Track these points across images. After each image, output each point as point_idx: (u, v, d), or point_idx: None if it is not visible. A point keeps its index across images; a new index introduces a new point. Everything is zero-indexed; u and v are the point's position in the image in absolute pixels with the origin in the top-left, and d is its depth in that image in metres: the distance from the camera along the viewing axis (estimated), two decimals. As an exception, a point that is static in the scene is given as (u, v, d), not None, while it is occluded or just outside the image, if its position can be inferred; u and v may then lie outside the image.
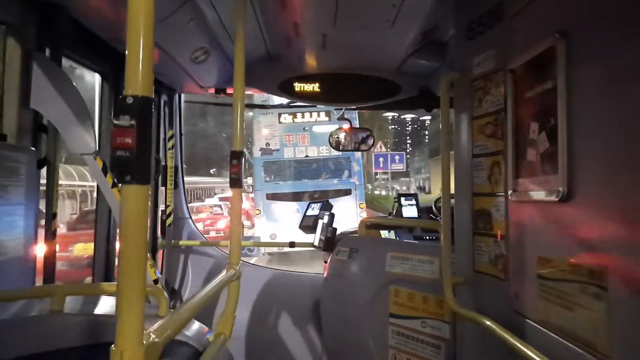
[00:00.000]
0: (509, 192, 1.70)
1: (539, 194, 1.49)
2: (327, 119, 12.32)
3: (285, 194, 12.13)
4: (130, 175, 0.78)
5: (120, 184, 0.80)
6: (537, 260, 1.51)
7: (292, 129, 12.53)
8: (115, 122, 0.77)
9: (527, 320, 1.57)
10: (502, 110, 1.76)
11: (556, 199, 1.37)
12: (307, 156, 12.47)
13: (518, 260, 1.66)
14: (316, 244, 3.36)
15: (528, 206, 1.59)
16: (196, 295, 1.32)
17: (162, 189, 3.49)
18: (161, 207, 3.53)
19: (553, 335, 1.41)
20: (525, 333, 1.56)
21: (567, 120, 1.34)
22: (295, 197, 12.13)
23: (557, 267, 1.40)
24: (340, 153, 11.53)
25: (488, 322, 1.67)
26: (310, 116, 12.49)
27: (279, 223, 11.58)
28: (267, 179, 12.41)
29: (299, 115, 12.49)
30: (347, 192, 12.31)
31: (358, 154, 12.68)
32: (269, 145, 12.40)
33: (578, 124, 1.31)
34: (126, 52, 0.79)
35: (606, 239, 1.20)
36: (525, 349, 1.39)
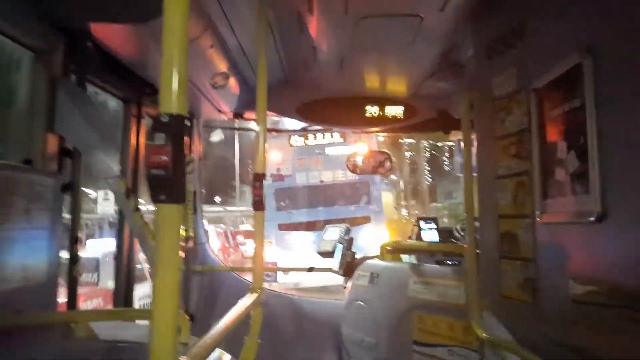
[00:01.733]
0: (537, 213, 1.65)
1: (570, 215, 1.45)
2: (341, 140, 11.22)
3: (299, 223, 11.04)
4: (166, 195, 0.77)
5: (154, 204, 0.79)
6: (571, 284, 1.45)
7: (304, 152, 11.40)
8: (151, 140, 0.77)
9: (561, 347, 1.50)
10: (526, 130, 1.73)
11: (590, 220, 1.32)
12: (321, 181, 11.40)
13: (549, 283, 1.60)
14: (335, 269, 3.30)
15: (559, 228, 1.55)
16: (221, 321, 1.29)
17: None
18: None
19: None
20: None
21: (597, 139, 1.31)
22: (309, 226, 10.98)
23: (595, 291, 1.34)
24: (357, 177, 10.54)
25: (519, 350, 1.60)
26: (323, 137, 11.24)
27: (295, 254, 10.29)
28: (279, 208, 11.17)
29: (310, 136, 11.26)
30: (366, 220, 11.06)
31: (377, 178, 11.65)
32: (279, 170, 11.18)
33: (609, 141, 1.28)
34: (161, 73, 0.79)
35: None
36: None
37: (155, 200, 0.78)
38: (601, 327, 1.31)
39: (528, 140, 1.71)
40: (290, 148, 11.30)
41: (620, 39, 1.25)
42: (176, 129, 0.78)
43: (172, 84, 0.78)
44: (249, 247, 16.40)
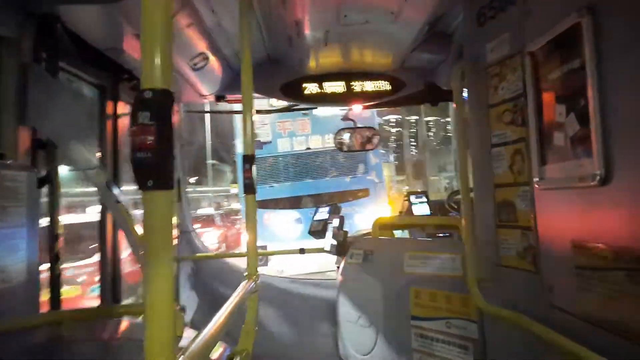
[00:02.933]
0: (535, 180, 1.62)
1: (571, 180, 1.41)
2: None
3: (282, 200, 9.25)
4: (153, 180, 0.69)
5: (142, 191, 0.70)
6: (573, 250, 1.42)
7: (288, 115, 9.24)
8: (134, 119, 0.68)
9: (566, 314, 1.48)
10: (521, 96, 1.68)
11: (592, 183, 1.28)
12: (308, 148, 9.61)
13: (550, 251, 1.57)
14: (327, 249, 3.27)
15: (558, 193, 1.51)
16: (218, 314, 1.23)
17: None
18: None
19: (599, 329, 1.32)
20: (564, 328, 1.47)
21: (599, 99, 1.26)
22: (295, 203, 9.30)
23: (599, 255, 1.31)
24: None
25: (522, 319, 1.59)
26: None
27: (277, 240, 8.33)
28: (257, 181, 9.65)
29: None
30: (364, 193, 9.36)
31: (375, 141, 9.91)
32: (257, 136, 9.15)
33: (612, 101, 1.23)
34: (142, 45, 0.70)
35: None
36: (567, 344, 1.30)
37: (142, 186, 0.70)
38: (606, 291, 1.29)
39: (524, 107, 1.66)
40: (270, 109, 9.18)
41: None
42: (162, 106, 0.70)
43: (155, 56, 0.70)
44: (209, 235, 14.13)
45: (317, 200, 9.04)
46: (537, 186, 1.61)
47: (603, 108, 1.25)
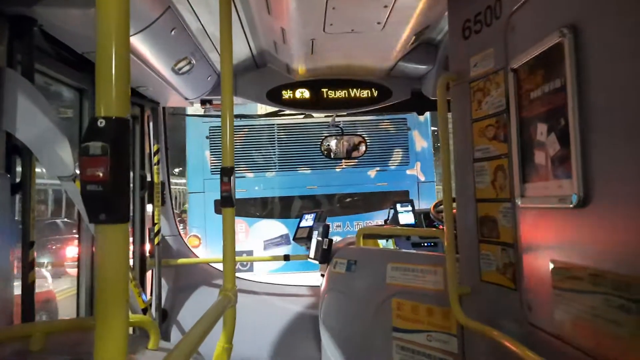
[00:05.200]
0: (517, 198, 1.61)
1: (551, 200, 1.40)
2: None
3: (259, 203, 5.99)
4: (105, 214, 0.66)
5: (94, 224, 0.67)
6: (552, 270, 1.41)
7: None
8: (84, 150, 0.64)
9: (543, 333, 1.47)
10: (504, 112, 1.67)
11: (571, 205, 1.28)
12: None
13: (530, 269, 1.56)
14: (312, 256, 3.25)
15: (540, 212, 1.50)
16: (189, 332, 1.20)
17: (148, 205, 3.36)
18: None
19: (573, 350, 1.31)
20: (540, 346, 1.46)
21: (579, 121, 1.25)
22: (284, 209, 6.02)
23: (577, 277, 1.30)
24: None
25: (500, 335, 1.58)
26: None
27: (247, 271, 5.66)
28: (216, 165, 5.94)
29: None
30: (400, 199, 4.88)
31: (423, 116, 5.93)
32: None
33: (592, 123, 1.22)
34: (96, 69, 0.66)
35: (631, 246, 1.11)
36: None
37: (93, 220, 0.66)
38: (582, 313, 1.28)
39: (506, 123, 1.65)
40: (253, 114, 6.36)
41: (603, 17, 1.18)
42: (116, 136, 0.66)
43: (110, 82, 0.66)
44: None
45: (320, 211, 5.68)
46: (518, 204, 1.60)
47: (583, 129, 1.25)
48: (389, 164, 6.00)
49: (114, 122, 0.66)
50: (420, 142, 6.00)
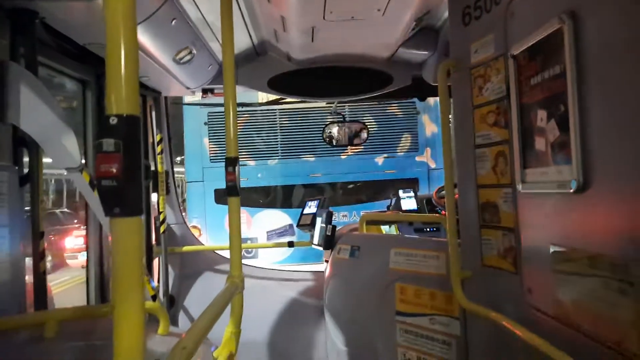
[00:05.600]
0: (518, 183, 1.63)
1: (551, 186, 1.42)
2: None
3: (261, 192, 5.77)
4: (120, 208, 0.69)
5: (109, 217, 0.70)
6: (552, 254, 1.44)
7: None
8: (99, 146, 0.67)
9: (543, 315, 1.51)
10: (504, 98, 1.69)
11: (571, 190, 1.30)
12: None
13: (530, 253, 1.59)
14: (315, 242, 3.29)
15: (539, 198, 1.53)
16: (199, 319, 1.24)
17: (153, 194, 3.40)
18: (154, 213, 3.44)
19: (573, 331, 1.35)
20: (540, 328, 1.50)
21: (578, 107, 1.27)
22: (287, 198, 5.78)
23: (575, 260, 1.33)
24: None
25: (501, 318, 1.61)
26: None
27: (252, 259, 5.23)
28: (216, 153, 5.77)
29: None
30: (410, 185, 4.96)
31: (433, 99, 5.22)
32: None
33: (591, 110, 1.24)
34: (106, 67, 0.69)
35: (628, 230, 1.14)
36: (542, 345, 1.32)
37: (108, 213, 0.70)
38: (581, 296, 1.31)
39: (507, 109, 1.67)
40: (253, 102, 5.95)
41: (602, 3, 1.19)
42: (128, 133, 0.69)
43: (121, 81, 0.68)
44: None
45: (315, 194, 5.60)
46: (519, 189, 1.62)
47: (582, 116, 1.26)
48: (398, 151, 5.62)
49: (125, 120, 0.69)
50: (431, 127, 5.55)
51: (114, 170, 0.67)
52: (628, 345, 1.13)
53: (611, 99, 1.17)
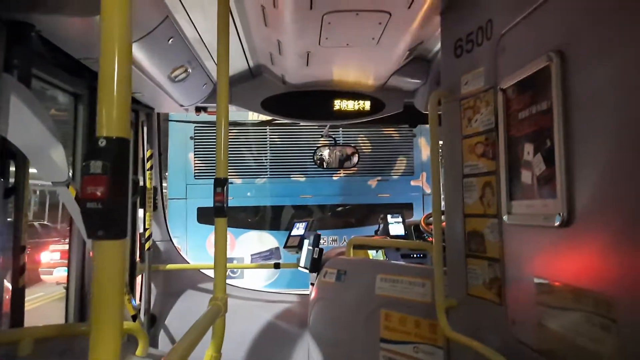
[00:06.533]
0: (504, 215, 1.65)
1: (536, 219, 1.44)
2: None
3: (248, 212, 5.49)
4: (104, 231, 0.68)
5: (92, 240, 0.69)
6: (535, 286, 1.45)
7: None
8: (85, 168, 0.67)
9: (526, 347, 1.50)
10: (493, 130, 1.72)
11: (555, 224, 1.31)
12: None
13: (515, 285, 1.60)
14: (302, 264, 3.27)
15: (525, 230, 1.54)
16: (179, 342, 1.21)
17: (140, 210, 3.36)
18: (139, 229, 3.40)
19: None
20: None
21: (564, 143, 1.29)
22: (275, 219, 5.51)
23: (558, 294, 1.34)
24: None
25: (484, 349, 1.60)
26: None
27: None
28: (201, 169, 5.57)
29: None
30: (405, 211, 4.64)
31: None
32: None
33: (576, 145, 1.26)
34: (98, 89, 0.69)
35: (612, 266, 1.15)
36: None
37: (91, 236, 0.69)
38: (564, 330, 1.31)
39: (495, 141, 1.69)
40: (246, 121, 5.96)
41: (590, 42, 1.23)
42: (116, 155, 0.68)
43: (112, 104, 0.68)
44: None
45: (304, 216, 5.35)
46: (505, 220, 1.64)
47: (568, 151, 1.29)
48: (392, 174, 5.41)
49: (115, 142, 0.69)
50: (427, 151, 5.31)
51: (99, 194, 0.66)
52: None
53: (596, 136, 1.20)
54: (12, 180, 1.90)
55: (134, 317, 2.70)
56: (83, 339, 1.57)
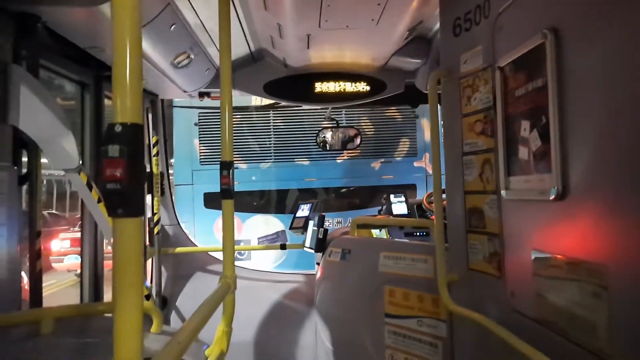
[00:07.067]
0: (502, 190, 1.69)
1: (532, 193, 1.49)
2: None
3: (253, 196, 5.58)
4: (123, 209, 0.75)
5: (112, 218, 0.76)
6: (533, 259, 1.50)
7: None
8: (104, 153, 0.73)
9: (525, 318, 1.56)
10: (491, 108, 1.75)
11: (551, 198, 1.36)
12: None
13: (513, 258, 1.65)
14: (307, 245, 3.34)
15: (522, 204, 1.59)
16: (192, 317, 1.28)
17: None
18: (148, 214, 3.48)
19: (552, 333, 1.40)
20: (522, 331, 1.55)
21: (559, 119, 1.33)
22: (280, 203, 5.61)
23: (554, 265, 1.39)
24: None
25: (485, 320, 1.67)
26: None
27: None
28: (206, 155, 5.65)
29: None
30: (408, 192, 4.68)
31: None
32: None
33: (570, 122, 1.30)
34: (112, 79, 0.75)
35: (603, 237, 1.20)
36: (523, 347, 1.38)
37: (111, 214, 0.75)
38: (560, 300, 1.37)
39: (493, 119, 1.73)
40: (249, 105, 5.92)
41: (584, 20, 1.25)
42: (131, 140, 0.74)
43: (126, 93, 0.74)
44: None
45: (309, 199, 5.37)
46: (503, 196, 1.69)
47: (562, 127, 1.32)
48: (395, 155, 5.43)
49: (130, 128, 0.75)
50: (428, 131, 5.32)
51: (118, 175, 0.72)
52: (603, 347, 1.19)
53: (590, 112, 1.24)
54: (24, 170, 1.96)
55: (147, 297, 2.79)
56: (101, 317, 1.65)
